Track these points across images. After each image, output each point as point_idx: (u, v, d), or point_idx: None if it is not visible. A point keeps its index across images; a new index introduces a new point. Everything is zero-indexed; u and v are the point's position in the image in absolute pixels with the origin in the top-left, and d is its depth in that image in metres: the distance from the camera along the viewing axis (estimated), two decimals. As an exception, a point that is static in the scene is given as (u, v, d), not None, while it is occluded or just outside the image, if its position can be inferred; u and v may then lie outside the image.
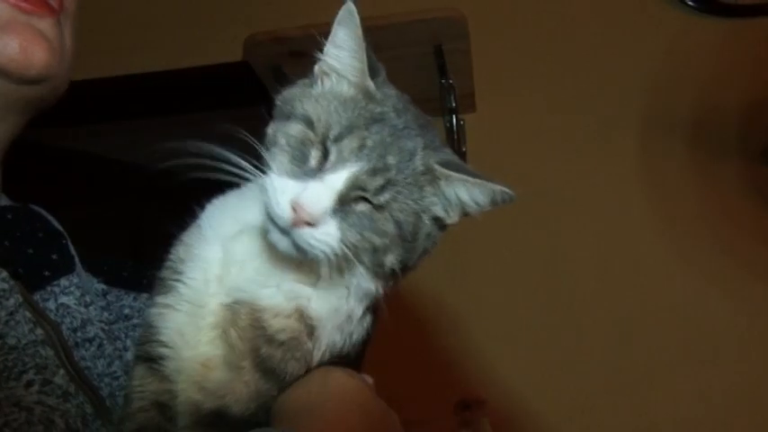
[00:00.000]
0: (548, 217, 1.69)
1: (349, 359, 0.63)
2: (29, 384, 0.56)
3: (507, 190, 0.61)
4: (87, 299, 0.70)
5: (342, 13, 0.60)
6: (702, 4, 1.74)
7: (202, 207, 0.66)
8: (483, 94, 1.73)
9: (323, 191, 0.55)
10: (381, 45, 1.46)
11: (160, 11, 1.93)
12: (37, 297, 0.65)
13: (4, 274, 0.60)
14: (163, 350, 0.61)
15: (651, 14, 1.74)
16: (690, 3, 1.74)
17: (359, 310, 0.62)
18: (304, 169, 0.57)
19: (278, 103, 0.63)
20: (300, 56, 1.60)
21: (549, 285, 1.66)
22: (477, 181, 0.60)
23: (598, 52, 1.74)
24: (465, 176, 0.60)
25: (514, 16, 1.80)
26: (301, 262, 0.59)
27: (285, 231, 0.56)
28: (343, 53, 0.61)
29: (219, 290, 0.60)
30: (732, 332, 1.58)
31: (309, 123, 0.58)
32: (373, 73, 0.62)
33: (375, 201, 0.56)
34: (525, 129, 1.74)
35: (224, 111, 2.17)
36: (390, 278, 0.61)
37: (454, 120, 1.71)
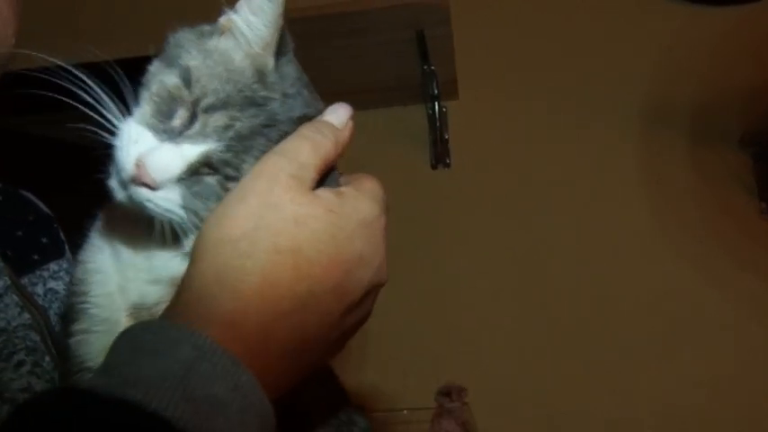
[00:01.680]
0: (533, 205, 1.69)
1: None
2: (19, 365, 0.55)
3: None
4: None
5: None
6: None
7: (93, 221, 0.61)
8: (466, 80, 1.72)
9: (173, 158, 0.52)
10: (362, 30, 1.47)
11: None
12: (25, 281, 0.64)
13: None
14: None
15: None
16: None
17: None
18: (165, 126, 0.53)
19: (169, 40, 0.58)
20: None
21: (533, 274, 1.67)
22: None
23: (585, 37, 1.74)
24: None
25: (496, 2, 1.78)
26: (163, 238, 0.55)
27: (124, 184, 0.53)
28: (256, 19, 0.55)
29: (123, 300, 0.57)
30: (719, 322, 1.59)
31: (187, 81, 0.54)
32: (281, 49, 0.57)
33: (225, 184, 0.53)
34: (509, 116, 1.73)
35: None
36: None
37: (437, 107, 1.71)
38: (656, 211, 1.66)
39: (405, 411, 1.43)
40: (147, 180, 0.51)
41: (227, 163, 0.53)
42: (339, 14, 1.44)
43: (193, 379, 0.38)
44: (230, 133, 0.52)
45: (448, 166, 1.75)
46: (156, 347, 0.40)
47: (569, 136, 1.70)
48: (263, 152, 0.52)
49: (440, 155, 1.74)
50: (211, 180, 0.53)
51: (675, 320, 1.59)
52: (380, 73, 1.64)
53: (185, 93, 0.53)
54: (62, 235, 0.71)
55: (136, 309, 0.56)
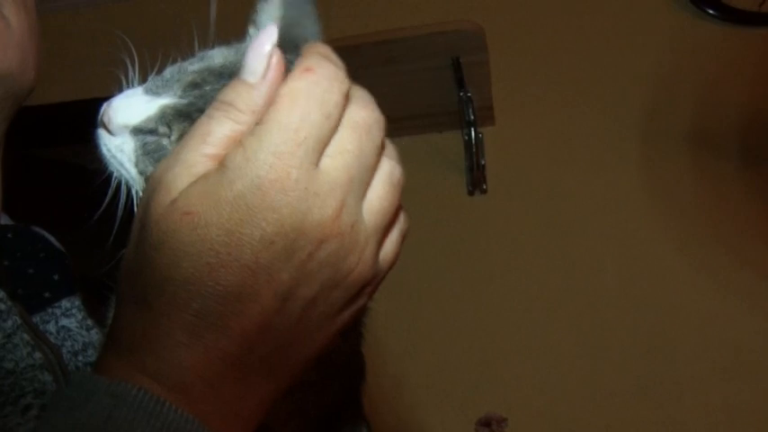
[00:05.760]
0: (569, 229, 1.67)
1: None
2: (27, 409, 0.53)
3: None
4: (89, 322, 0.67)
5: None
6: (717, 11, 1.72)
7: None
8: (502, 106, 1.72)
9: (137, 106, 0.50)
10: (399, 58, 1.48)
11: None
12: (37, 319, 0.63)
13: (2, 294, 0.57)
14: None
15: (670, 25, 1.73)
16: (710, 12, 1.72)
17: None
18: (157, 87, 0.52)
19: None
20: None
21: (572, 300, 1.64)
22: None
23: (617, 62, 1.72)
24: None
25: (532, 28, 1.79)
26: None
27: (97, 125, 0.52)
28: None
29: None
30: (751, 339, 1.55)
31: (201, 57, 0.54)
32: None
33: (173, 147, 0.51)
34: (546, 141, 1.72)
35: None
36: None
37: (473, 133, 1.70)
38: (677, 228, 1.63)
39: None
40: (105, 119, 0.51)
41: (183, 115, 0.50)
42: (375, 43, 1.45)
43: (113, 427, 0.37)
44: (196, 91, 0.51)
45: (485, 192, 1.74)
46: (73, 402, 0.39)
47: (607, 161, 1.69)
48: None
49: (476, 181, 1.73)
50: (166, 142, 0.51)
51: (705, 341, 1.56)
52: (417, 100, 1.64)
53: (191, 65, 0.53)
54: (72, 271, 0.70)
55: None
